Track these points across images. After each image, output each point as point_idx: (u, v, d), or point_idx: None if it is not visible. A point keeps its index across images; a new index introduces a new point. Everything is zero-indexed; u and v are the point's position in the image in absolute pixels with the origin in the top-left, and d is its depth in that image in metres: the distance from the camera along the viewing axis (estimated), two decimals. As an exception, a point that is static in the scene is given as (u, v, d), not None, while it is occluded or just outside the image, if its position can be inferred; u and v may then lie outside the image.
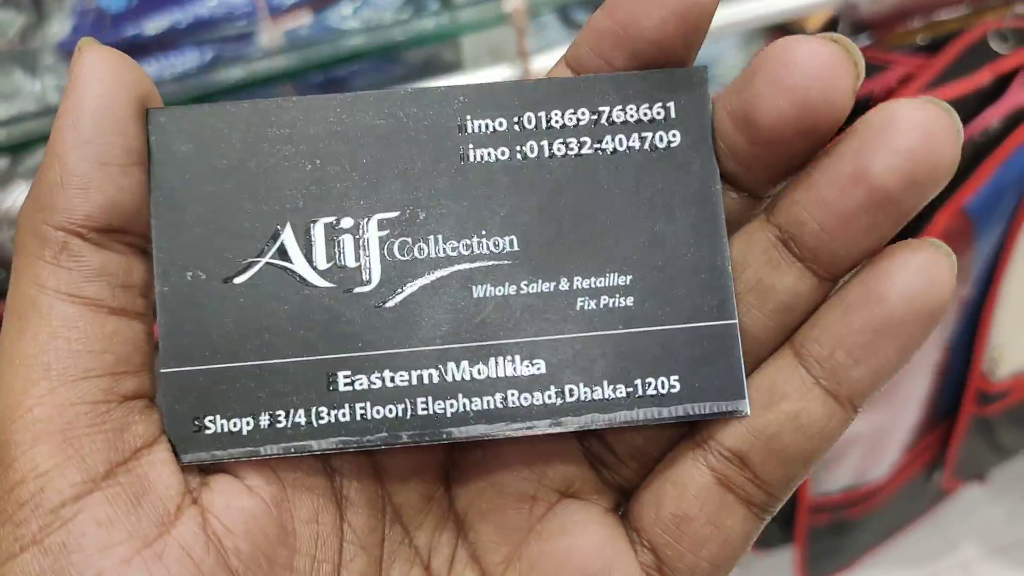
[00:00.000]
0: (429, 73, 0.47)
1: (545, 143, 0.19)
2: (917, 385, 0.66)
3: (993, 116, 0.55)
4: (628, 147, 0.19)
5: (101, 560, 0.16)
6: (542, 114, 0.19)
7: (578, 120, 0.19)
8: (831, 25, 0.54)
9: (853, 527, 0.75)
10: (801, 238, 0.18)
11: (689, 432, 0.20)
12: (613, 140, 0.19)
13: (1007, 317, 0.64)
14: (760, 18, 0.51)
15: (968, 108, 0.56)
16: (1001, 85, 0.56)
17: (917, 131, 0.16)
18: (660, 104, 0.19)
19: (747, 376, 0.19)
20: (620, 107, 0.19)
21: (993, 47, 0.56)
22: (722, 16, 0.48)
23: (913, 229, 0.52)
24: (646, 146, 0.19)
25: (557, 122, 0.19)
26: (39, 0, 0.51)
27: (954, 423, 0.71)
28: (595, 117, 0.19)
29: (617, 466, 0.20)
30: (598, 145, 0.19)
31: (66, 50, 0.49)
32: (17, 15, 0.51)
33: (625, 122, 0.19)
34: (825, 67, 0.17)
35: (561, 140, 0.19)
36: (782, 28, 0.60)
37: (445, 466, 0.21)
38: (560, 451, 0.20)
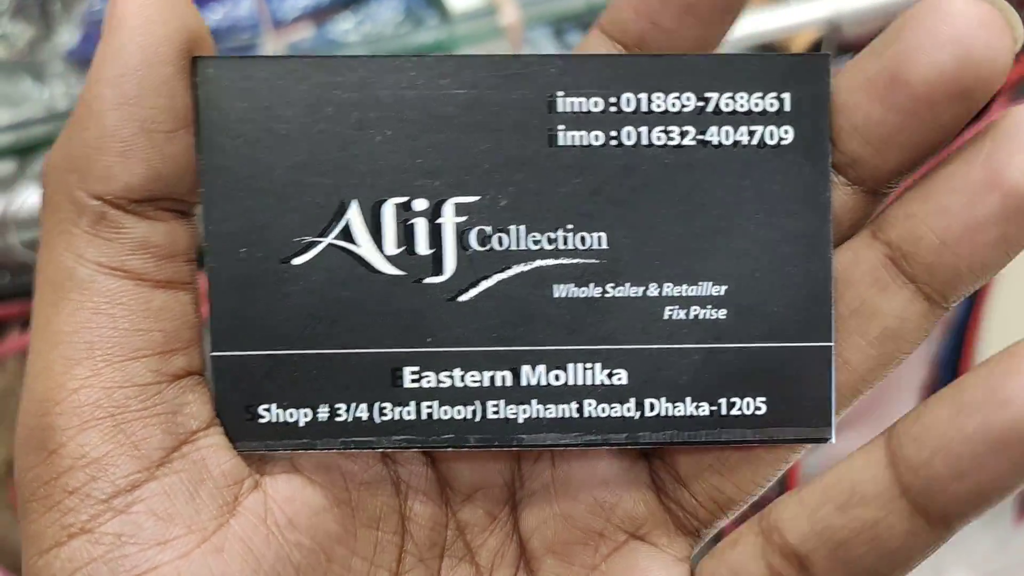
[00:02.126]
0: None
1: (644, 129, 0.18)
2: (904, 403, 0.67)
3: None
4: (735, 141, 0.18)
5: (159, 554, 0.15)
6: (643, 96, 0.17)
7: (682, 106, 0.17)
8: (815, 47, 0.56)
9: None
10: (916, 255, 0.16)
11: (764, 512, 0.18)
12: (719, 132, 0.18)
13: (992, 334, 0.65)
14: (744, 38, 0.52)
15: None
16: (984, 105, 0.57)
17: None
18: (774, 95, 0.17)
19: (837, 465, 0.17)
20: (730, 94, 0.17)
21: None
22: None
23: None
24: (754, 141, 0.18)
25: (659, 106, 0.17)
26: (48, 12, 0.53)
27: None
28: (701, 104, 0.17)
29: (693, 507, 0.19)
30: (702, 136, 0.18)
31: (75, 58, 0.50)
32: (27, 27, 0.53)
33: (734, 112, 0.18)
34: (988, 22, 0.15)
35: (662, 127, 0.18)
36: (767, 49, 0.61)
37: (512, 485, 0.19)
38: (631, 485, 0.19)
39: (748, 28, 0.51)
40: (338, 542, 0.17)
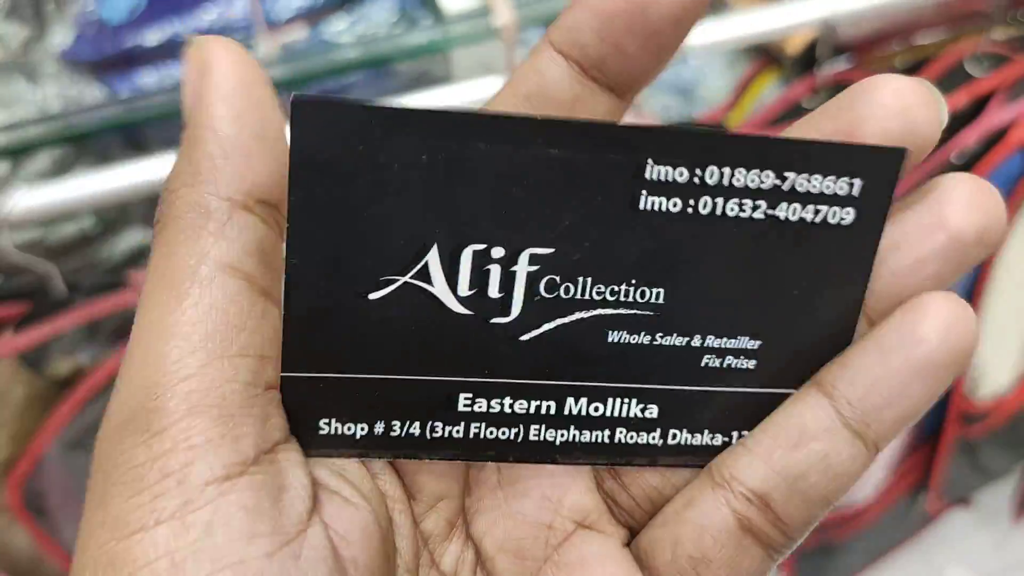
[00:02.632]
0: (421, 86, 0.49)
1: (720, 200, 0.18)
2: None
3: (970, 137, 0.57)
4: (801, 218, 0.18)
5: (246, 548, 0.15)
6: (727, 170, 0.18)
7: (760, 183, 0.18)
8: (811, 47, 0.56)
9: (839, 549, 0.75)
10: (871, 282, 0.19)
11: (708, 471, 0.19)
12: (788, 209, 0.18)
13: (987, 337, 0.65)
14: (741, 39, 0.52)
15: (946, 129, 0.57)
16: (977, 107, 0.57)
17: (986, 197, 0.18)
18: (847, 179, 0.18)
19: (774, 416, 0.19)
20: (807, 175, 0.18)
21: (969, 71, 0.58)
22: (703, 36, 0.50)
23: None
24: (818, 220, 0.18)
25: (740, 181, 0.18)
26: (41, 12, 0.53)
27: (937, 444, 0.71)
28: (779, 183, 0.18)
29: (631, 507, 0.20)
30: (772, 211, 0.18)
31: (68, 60, 0.50)
32: (20, 28, 0.53)
33: (807, 192, 0.18)
34: (927, 101, 0.18)
35: (737, 201, 0.18)
36: (763, 49, 0.61)
37: (464, 492, 0.20)
38: (575, 484, 0.20)
39: (744, 28, 0.51)
40: (383, 558, 0.18)
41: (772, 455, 0.19)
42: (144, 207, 0.54)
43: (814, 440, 0.18)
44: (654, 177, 0.18)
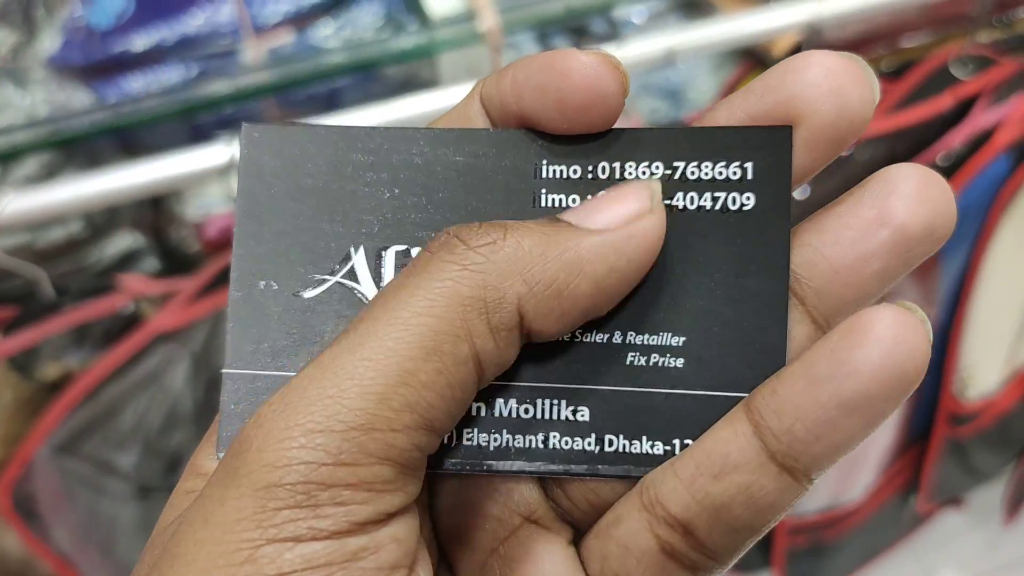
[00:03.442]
0: (408, 90, 0.49)
1: None
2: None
3: (955, 139, 0.57)
4: (699, 206, 0.19)
5: None
6: (616, 164, 0.19)
7: (651, 174, 0.19)
8: (797, 50, 0.56)
9: (830, 549, 0.75)
10: (809, 279, 0.18)
11: (638, 488, 0.19)
12: (684, 198, 0.19)
13: (975, 338, 0.65)
14: (727, 42, 0.52)
15: (931, 131, 0.58)
16: (962, 110, 0.57)
17: (933, 188, 0.17)
18: (738, 164, 0.18)
19: (703, 439, 0.18)
20: (696, 163, 0.19)
21: (954, 73, 0.58)
22: (690, 39, 0.50)
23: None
24: (718, 207, 0.19)
25: (631, 174, 0.19)
26: (30, 18, 0.53)
27: (927, 445, 0.71)
28: (669, 172, 0.19)
29: (570, 508, 0.20)
30: (668, 202, 0.19)
31: (56, 65, 0.50)
32: (9, 33, 0.53)
33: (699, 179, 0.19)
34: (860, 79, 0.17)
35: None
36: (750, 52, 0.62)
37: (425, 493, 0.20)
38: (525, 480, 0.20)
39: (731, 31, 0.51)
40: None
41: (695, 483, 0.18)
42: (132, 211, 0.54)
43: (736, 471, 0.17)
44: (550, 176, 0.19)
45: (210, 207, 0.52)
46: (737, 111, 0.18)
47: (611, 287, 0.17)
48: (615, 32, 0.62)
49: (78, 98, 0.50)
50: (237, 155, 0.20)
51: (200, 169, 0.43)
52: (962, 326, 0.64)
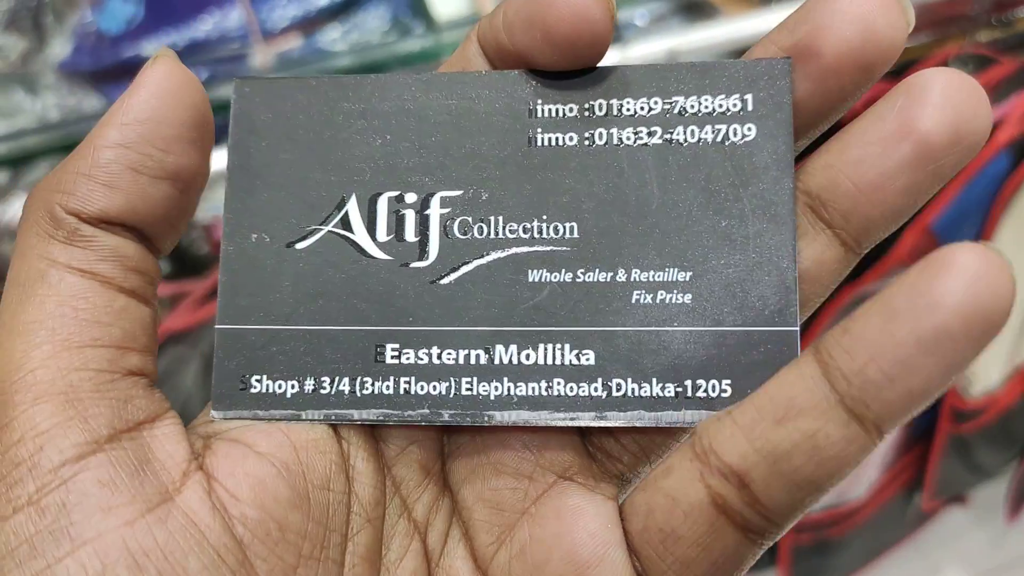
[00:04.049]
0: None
1: (614, 131, 0.19)
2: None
3: (956, 138, 0.57)
4: (700, 139, 0.18)
5: (103, 521, 0.16)
6: (613, 101, 0.19)
7: (650, 108, 0.19)
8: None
9: (835, 547, 0.76)
10: (834, 201, 0.17)
11: (692, 438, 0.18)
12: (685, 131, 0.18)
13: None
14: (729, 44, 0.53)
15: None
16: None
17: (959, 92, 0.16)
18: (738, 96, 0.18)
19: (767, 384, 0.17)
20: (695, 97, 0.19)
21: (954, 72, 0.58)
22: (692, 41, 0.50)
23: (880, 247, 0.54)
24: (719, 139, 0.18)
25: (628, 110, 0.19)
26: (40, 24, 0.53)
27: (931, 442, 0.72)
28: (668, 107, 0.19)
29: (618, 451, 0.19)
30: (669, 136, 0.19)
31: (66, 71, 0.51)
32: (19, 39, 0.53)
33: (699, 113, 0.18)
34: (888, 4, 0.17)
35: (631, 129, 0.19)
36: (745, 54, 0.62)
37: (441, 439, 0.20)
38: (556, 434, 0.19)
39: (732, 33, 0.52)
40: (291, 507, 0.17)
41: (754, 429, 0.16)
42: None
43: (801, 417, 0.16)
44: (545, 115, 0.19)
45: (220, 209, 0.53)
46: (772, 46, 0.18)
47: None
48: (618, 34, 0.63)
49: (89, 103, 0.50)
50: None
51: (210, 172, 0.44)
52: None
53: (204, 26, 0.51)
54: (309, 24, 0.51)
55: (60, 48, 0.52)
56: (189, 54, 0.51)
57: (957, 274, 0.15)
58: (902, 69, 0.61)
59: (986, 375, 0.70)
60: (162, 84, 0.17)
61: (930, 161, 0.17)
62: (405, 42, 0.49)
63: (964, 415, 0.71)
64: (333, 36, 0.51)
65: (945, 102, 0.16)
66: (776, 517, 0.17)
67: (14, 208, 0.47)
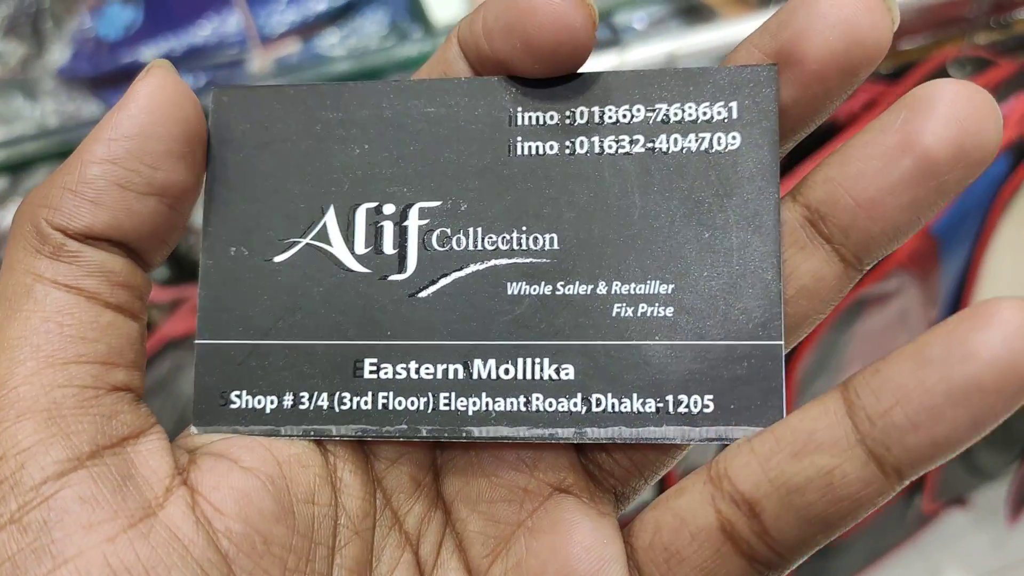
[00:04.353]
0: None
1: (596, 139, 0.18)
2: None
3: (954, 140, 0.57)
4: (683, 147, 0.18)
5: (84, 538, 0.15)
6: (595, 109, 0.18)
7: (632, 116, 0.18)
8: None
9: (836, 549, 0.75)
10: (833, 217, 0.17)
11: (710, 462, 0.18)
12: (668, 140, 0.18)
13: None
14: (728, 47, 0.53)
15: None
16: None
17: (966, 105, 0.16)
18: (722, 103, 0.18)
19: (790, 416, 0.17)
20: (679, 104, 0.18)
21: (952, 75, 0.59)
22: (691, 45, 0.50)
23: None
24: (703, 147, 0.18)
25: (611, 118, 0.18)
26: (39, 30, 0.53)
27: (931, 444, 0.71)
28: (651, 114, 0.18)
29: (610, 465, 0.19)
30: (651, 144, 0.18)
31: (65, 76, 0.51)
32: (19, 45, 0.53)
33: (682, 120, 0.18)
34: (872, 6, 0.16)
35: (613, 137, 0.18)
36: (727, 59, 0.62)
37: (433, 451, 0.20)
38: (552, 447, 0.19)
39: (730, 37, 0.52)
40: (276, 521, 0.17)
41: (770, 459, 0.16)
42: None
43: (819, 452, 0.16)
44: (525, 123, 0.19)
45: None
46: (754, 51, 0.18)
47: None
48: (616, 38, 0.63)
49: (88, 109, 0.50)
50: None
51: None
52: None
53: (203, 31, 0.51)
54: (307, 29, 0.52)
55: (59, 54, 0.52)
56: (188, 59, 0.51)
57: (997, 327, 0.14)
58: (900, 71, 0.61)
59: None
60: (153, 98, 0.17)
61: (932, 177, 0.16)
62: (403, 47, 0.49)
63: (964, 417, 0.70)
64: (331, 41, 0.51)
65: (950, 115, 0.16)
66: (784, 550, 0.16)
67: (12, 214, 0.46)
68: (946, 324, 0.15)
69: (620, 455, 0.19)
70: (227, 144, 0.19)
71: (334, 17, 0.52)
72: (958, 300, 0.64)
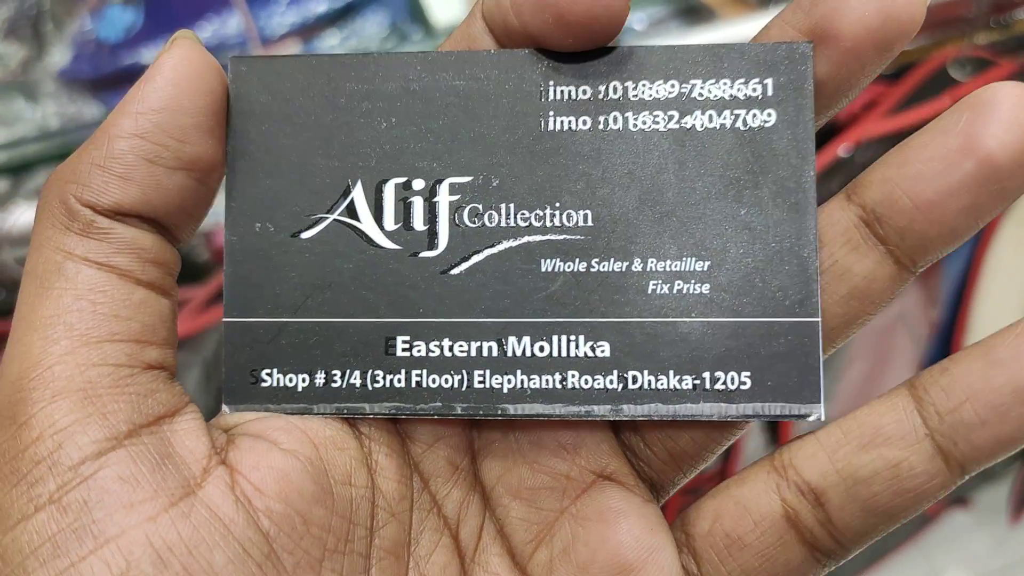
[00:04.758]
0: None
1: (629, 115, 0.18)
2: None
3: (955, 140, 0.57)
4: (718, 124, 0.18)
5: (126, 517, 0.15)
6: (628, 84, 0.18)
7: (666, 93, 0.18)
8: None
9: (837, 550, 0.75)
10: (890, 218, 0.17)
11: (773, 453, 0.18)
12: (702, 116, 0.18)
13: (978, 337, 0.66)
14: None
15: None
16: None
17: None
18: (757, 80, 0.18)
19: (856, 411, 0.17)
20: (713, 81, 0.18)
21: (953, 75, 0.58)
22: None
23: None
24: (737, 124, 0.18)
25: (644, 94, 0.18)
26: (40, 32, 0.53)
27: (932, 444, 0.71)
28: (685, 91, 0.18)
29: (647, 456, 0.19)
30: (685, 121, 0.18)
31: (66, 78, 0.51)
32: (19, 47, 0.53)
33: (718, 98, 0.18)
34: None
35: (647, 113, 0.18)
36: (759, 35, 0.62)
37: (470, 435, 0.20)
38: (592, 433, 0.19)
39: (730, 38, 0.52)
40: (315, 502, 0.17)
41: (838, 451, 0.17)
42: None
43: (887, 445, 0.16)
44: (557, 98, 0.18)
45: (219, 216, 0.53)
46: (787, 28, 0.18)
47: None
48: (617, 39, 0.63)
49: (88, 110, 0.50)
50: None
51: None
52: (965, 325, 0.64)
53: (203, 33, 0.51)
54: (308, 31, 0.52)
55: (60, 56, 0.52)
56: (188, 61, 0.51)
57: None
58: (900, 72, 0.61)
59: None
60: (179, 70, 0.17)
61: (994, 182, 0.16)
62: (403, 48, 0.49)
63: (965, 417, 0.70)
64: (332, 43, 0.51)
65: (1013, 119, 0.16)
66: (845, 540, 0.17)
67: (14, 216, 0.47)
68: (1014, 328, 0.16)
69: (656, 445, 0.19)
70: (248, 116, 0.19)
71: (334, 19, 0.52)
72: (958, 300, 0.64)
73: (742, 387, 0.18)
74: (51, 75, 0.51)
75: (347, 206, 0.19)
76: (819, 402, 0.18)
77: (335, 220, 0.19)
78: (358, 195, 0.19)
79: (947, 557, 0.88)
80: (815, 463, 0.17)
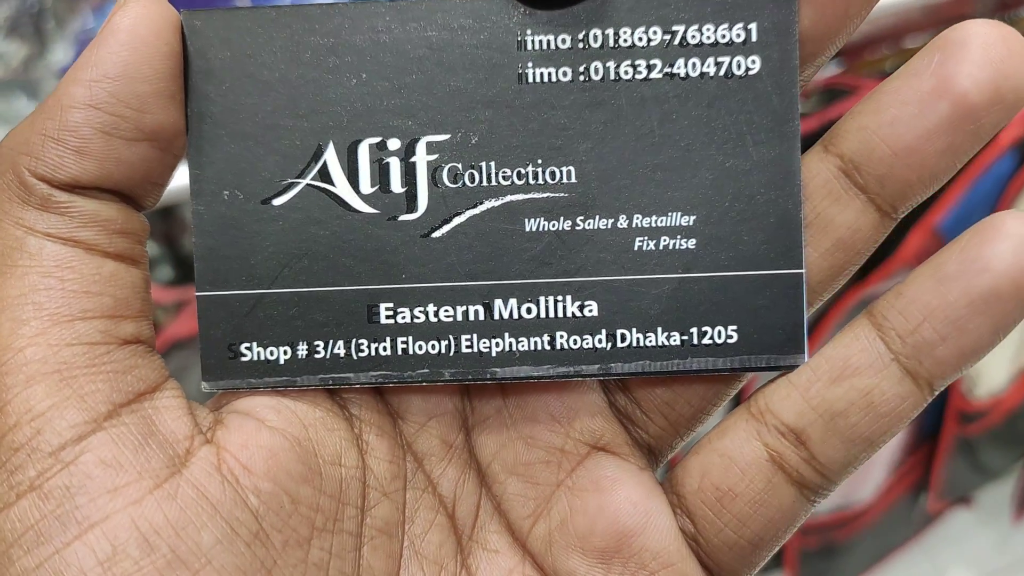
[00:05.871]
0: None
1: (611, 64, 0.18)
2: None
3: (960, 138, 0.57)
4: (702, 73, 0.17)
5: (110, 502, 0.15)
6: (610, 31, 0.17)
7: (649, 40, 0.17)
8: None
9: (842, 550, 0.75)
10: (869, 166, 0.17)
11: (746, 401, 0.18)
12: (686, 65, 0.17)
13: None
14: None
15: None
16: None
17: (1000, 46, 0.16)
18: (741, 25, 0.17)
19: (820, 347, 0.17)
20: (696, 26, 0.17)
21: (958, 72, 0.58)
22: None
23: (885, 249, 0.54)
24: (722, 72, 0.17)
25: (626, 41, 0.17)
26: (42, 30, 0.53)
27: (936, 443, 0.72)
28: (668, 37, 0.17)
29: (644, 422, 0.19)
30: (669, 69, 0.17)
31: (68, 76, 0.51)
32: (21, 45, 0.53)
33: (700, 44, 0.17)
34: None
35: (629, 62, 0.17)
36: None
37: (463, 412, 0.19)
38: (585, 404, 0.19)
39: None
40: (303, 481, 0.17)
41: (810, 389, 0.17)
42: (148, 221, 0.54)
43: (856, 375, 0.17)
44: (535, 47, 0.18)
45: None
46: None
47: None
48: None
49: (91, 109, 0.50)
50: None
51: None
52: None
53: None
54: None
55: (62, 54, 0.52)
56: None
57: (1005, 239, 0.15)
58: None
59: (991, 377, 0.69)
60: (136, 31, 0.16)
61: (970, 121, 0.16)
62: None
63: (970, 417, 0.71)
64: None
65: (985, 57, 0.16)
66: (831, 473, 0.17)
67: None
68: (957, 242, 0.16)
69: (652, 411, 0.19)
70: (207, 76, 0.17)
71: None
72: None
73: (729, 340, 0.18)
74: (53, 73, 0.51)
75: (320, 169, 0.18)
76: (803, 353, 0.18)
77: (308, 184, 0.18)
78: (331, 157, 0.18)
79: (950, 556, 0.88)
80: (791, 404, 0.17)
